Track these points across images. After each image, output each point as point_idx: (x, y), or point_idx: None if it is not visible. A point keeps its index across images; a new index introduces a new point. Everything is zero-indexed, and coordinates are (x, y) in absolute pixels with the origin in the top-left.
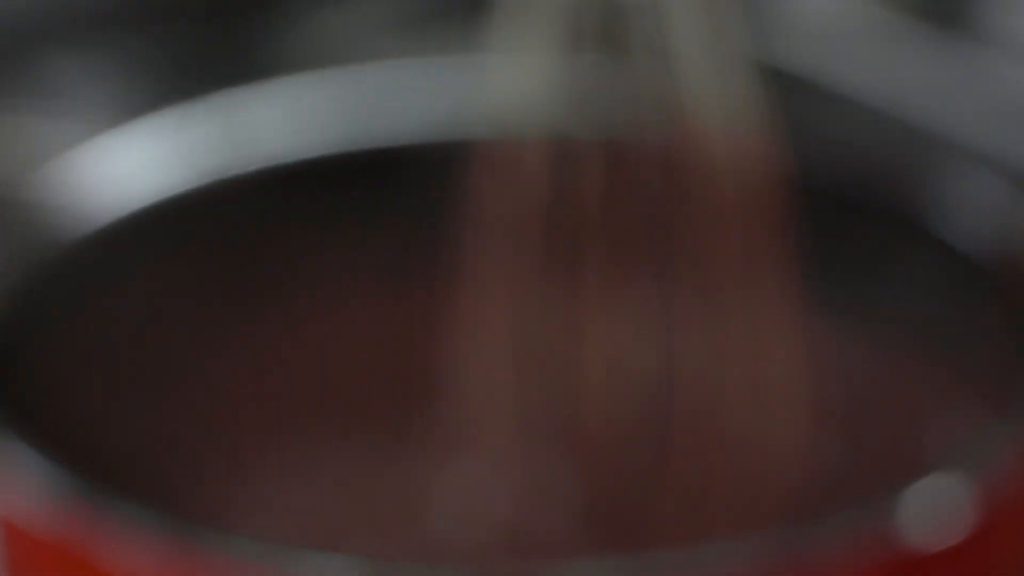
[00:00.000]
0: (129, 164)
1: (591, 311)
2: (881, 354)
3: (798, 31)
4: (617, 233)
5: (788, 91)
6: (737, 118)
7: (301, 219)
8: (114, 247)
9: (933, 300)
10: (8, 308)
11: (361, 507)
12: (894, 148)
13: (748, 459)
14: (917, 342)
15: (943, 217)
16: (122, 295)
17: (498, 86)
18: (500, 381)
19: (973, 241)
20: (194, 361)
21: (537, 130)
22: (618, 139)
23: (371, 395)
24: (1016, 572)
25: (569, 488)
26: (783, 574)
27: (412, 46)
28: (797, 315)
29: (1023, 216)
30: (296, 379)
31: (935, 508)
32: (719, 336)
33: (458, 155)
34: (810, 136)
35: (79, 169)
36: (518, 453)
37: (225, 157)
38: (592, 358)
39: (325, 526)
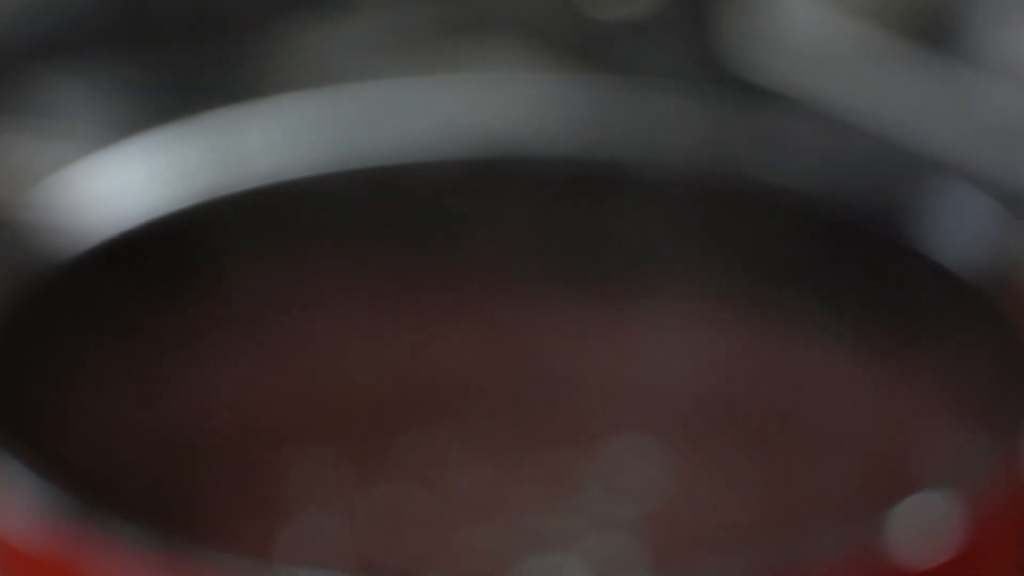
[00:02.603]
0: (122, 183)
1: (581, 326)
2: (870, 372)
3: (789, 51)
4: (603, 249)
5: (779, 111)
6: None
7: (292, 238)
8: (107, 266)
9: (923, 318)
10: (1, 327)
11: (353, 522)
12: (884, 167)
13: (737, 476)
14: (906, 360)
15: (932, 236)
16: (114, 314)
17: (486, 105)
18: (483, 397)
19: (962, 260)
20: (187, 379)
21: (524, 149)
22: (606, 158)
23: (362, 412)
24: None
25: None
26: None
27: (403, 66)
28: (783, 332)
29: (1012, 235)
30: (288, 397)
31: (924, 525)
32: (704, 351)
33: (449, 174)
34: (801, 156)
35: (71, 189)
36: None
37: (217, 176)
38: (574, 372)
39: (318, 542)
